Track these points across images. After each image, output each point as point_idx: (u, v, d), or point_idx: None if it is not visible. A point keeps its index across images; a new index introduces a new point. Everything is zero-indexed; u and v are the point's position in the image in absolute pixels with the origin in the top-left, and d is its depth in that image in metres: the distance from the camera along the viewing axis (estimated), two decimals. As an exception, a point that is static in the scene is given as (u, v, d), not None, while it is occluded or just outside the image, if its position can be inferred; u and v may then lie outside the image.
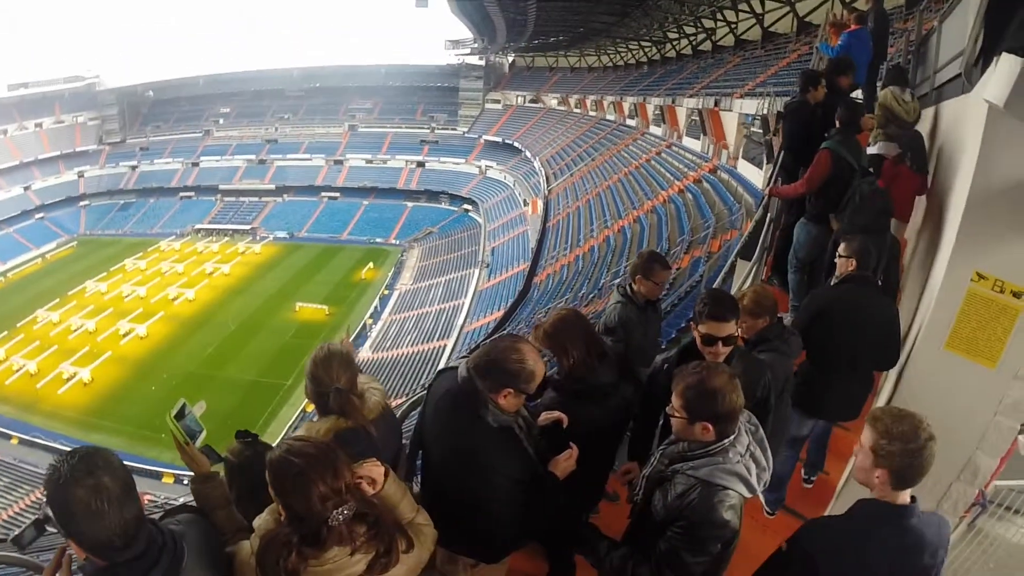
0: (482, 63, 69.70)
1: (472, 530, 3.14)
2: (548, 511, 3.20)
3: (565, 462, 3.11)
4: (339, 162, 71.37)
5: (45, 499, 1.99)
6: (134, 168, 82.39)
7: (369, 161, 70.02)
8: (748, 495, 2.73)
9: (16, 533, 2.59)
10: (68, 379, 40.29)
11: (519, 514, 3.05)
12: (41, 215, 75.66)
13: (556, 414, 3.22)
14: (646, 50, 48.18)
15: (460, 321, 37.11)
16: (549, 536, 3.97)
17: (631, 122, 44.92)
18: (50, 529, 2.29)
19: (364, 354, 37.45)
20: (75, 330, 46.92)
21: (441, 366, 30.52)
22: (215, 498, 2.77)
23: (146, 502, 28.19)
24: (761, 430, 2.95)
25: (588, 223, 34.47)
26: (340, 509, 2.19)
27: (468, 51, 68.08)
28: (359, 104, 78.18)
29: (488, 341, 3.30)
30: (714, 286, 8.43)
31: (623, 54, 53.49)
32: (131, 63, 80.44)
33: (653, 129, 40.28)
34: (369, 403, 3.41)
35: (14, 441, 35.75)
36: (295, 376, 36.50)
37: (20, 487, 31.57)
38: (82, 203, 79.45)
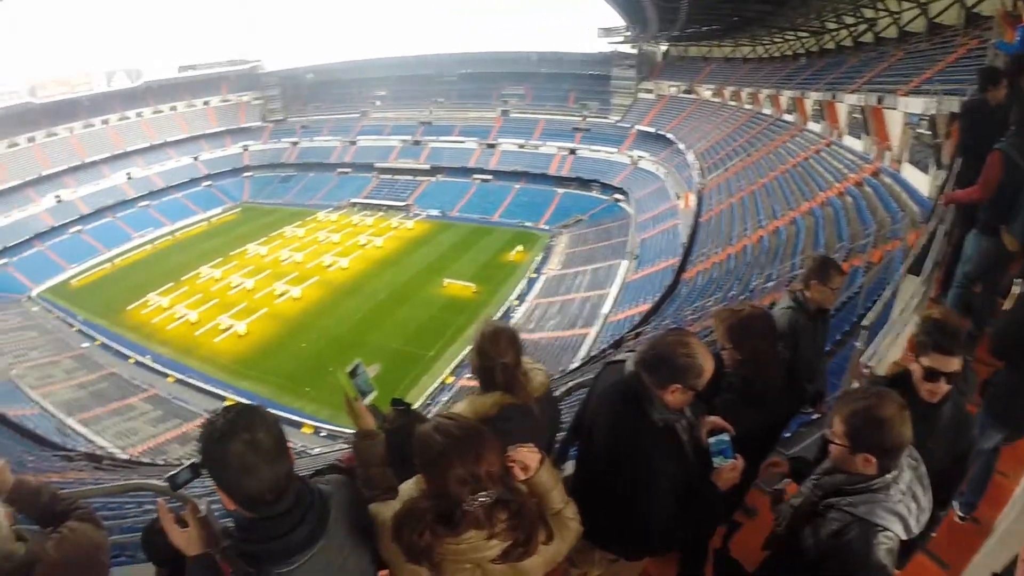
0: (635, 52, 67.44)
1: (621, 527, 3.16)
2: (703, 520, 3.21)
3: (729, 473, 2.97)
4: (492, 146, 71.98)
5: (200, 450, 2.13)
6: (295, 144, 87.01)
7: (521, 146, 70.18)
8: (905, 537, 2.56)
9: (172, 473, 2.74)
10: (224, 330, 43.53)
11: (672, 517, 3.01)
12: (208, 183, 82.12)
13: (721, 421, 3.10)
14: (804, 41, 45.67)
15: (604, 311, 36.86)
16: (690, 543, 3.83)
17: (788, 117, 42.63)
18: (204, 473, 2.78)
19: None
20: (235, 287, 50.61)
21: (582, 354, 31.15)
22: (374, 455, 2.94)
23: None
24: (923, 466, 2.72)
25: (742, 221, 33.04)
26: (478, 494, 2.22)
27: (621, 39, 65.80)
28: (512, 89, 78.23)
29: (656, 334, 3.34)
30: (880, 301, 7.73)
31: (779, 45, 50.33)
32: (292, 47, 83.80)
33: (812, 126, 38.13)
34: (534, 382, 3.48)
35: (170, 379, 39.06)
36: (437, 348, 37.91)
37: (170, 419, 34.32)
38: (246, 174, 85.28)
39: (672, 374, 2.90)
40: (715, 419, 3.10)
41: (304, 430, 31.85)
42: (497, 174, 68.76)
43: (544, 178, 65.63)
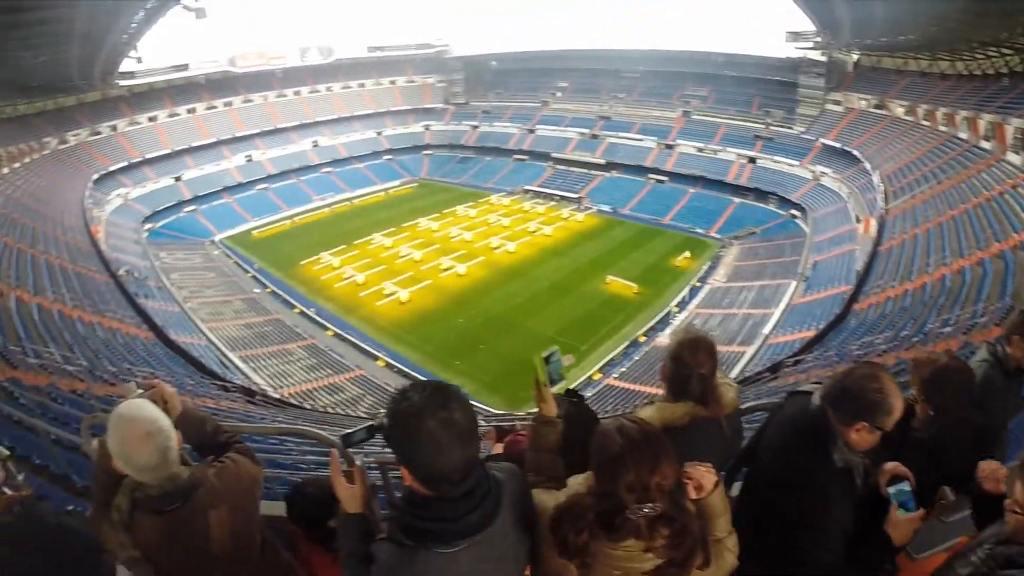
0: (824, 59, 62.80)
1: (780, 567, 2.92)
2: (867, 572, 2.93)
3: (908, 525, 2.76)
4: (670, 147, 70.11)
5: (387, 418, 2.15)
6: (475, 128, 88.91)
7: (700, 150, 67.90)
8: None
9: (348, 431, 2.79)
10: (388, 295, 44.90)
11: (837, 565, 2.83)
12: (389, 157, 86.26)
13: (903, 468, 2.87)
14: (1008, 59, 41.70)
15: (765, 331, 35.21)
16: None
17: (986, 144, 39.17)
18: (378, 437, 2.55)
19: (662, 341, 36.42)
20: (403, 256, 52.41)
21: (735, 373, 30.11)
22: (549, 442, 2.98)
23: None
24: None
25: (924, 255, 30.45)
26: (644, 504, 2.16)
27: (810, 45, 61.54)
28: (694, 90, 75.79)
29: (845, 368, 3.01)
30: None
31: (981, 62, 46.14)
32: (479, 33, 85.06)
33: (1011, 156, 34.95)
34: (725, 397, 3.35)
35: (329, 333, 41.06)
36: (591, 342, 37.44)
37: (323, 369, 35.66)
38: (425, 152, 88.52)
39: (859, 410, 2.76)
40: (896, 465, 2.90)
41: (448, 399, 32.37)
42: (673, 176, 66.97)
43: (720, 185, 63.23)
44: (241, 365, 34.07)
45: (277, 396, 27.95)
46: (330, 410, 27.69)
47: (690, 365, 3.25)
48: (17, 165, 50.26)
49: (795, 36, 62.16)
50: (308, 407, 27.28)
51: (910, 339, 19.19)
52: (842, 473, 2.81)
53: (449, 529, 2.14)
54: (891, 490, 2.81)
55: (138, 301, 33.48)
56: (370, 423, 2.69)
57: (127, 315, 29.94)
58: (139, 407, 2.56)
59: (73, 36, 36.08)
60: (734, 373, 30.45)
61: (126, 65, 59.94)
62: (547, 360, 3.13)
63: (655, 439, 2.26)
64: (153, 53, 61.19)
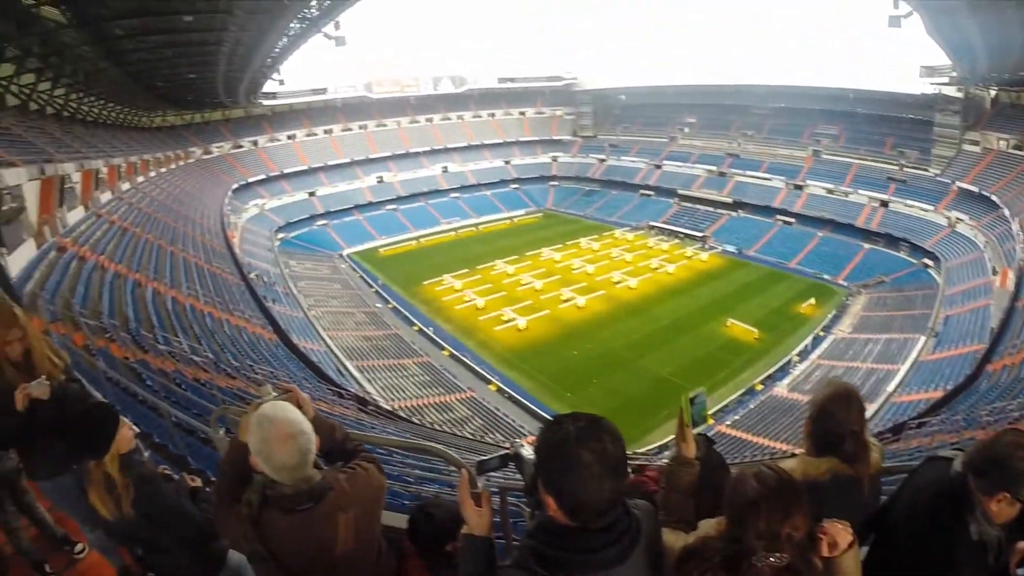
0: (960, 95, 58.07)
1: None
2: None
3: None
4: (799, 187, 67.89)
5: (541, 446, 2.19)
6: (602, 161, 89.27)
7: (830, 191, 65.27)
8: None
9: (484, 458, 2.95)
10: (506, 321, 45.30)
11: None
12: (516, 186, 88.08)
13: None
14: None
15: (889, 388, 33.12)
16: None
17: None
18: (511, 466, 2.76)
19: (779, 391, 35.65)
20: (524, 284, 52.97)
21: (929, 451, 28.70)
22: (684, 482, 2.96)
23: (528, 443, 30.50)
24: None
25: None
26: (771, 553, 2.12)
27: (945, 80, 56.98)
28: (824, 129, 72.90)
29: (992, 434, 2.73)
30: None
31: None
32: (607, 67, 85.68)
33: None
34: (871, 457, 3.27)
35: (445, 352, 41.68)
36: (707, 386, 36.01)
37: (435, 387, 36.15)
38: (552, 183, 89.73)
39: (1003, 480, 2.54)
40: None
41: (558, 430, 32.21)
42: (801, 218, 64.80)
43: (850, 229, 60.51)
44: (356, 374, 35.06)
45: (388, 408, 28.52)
46: (438, 427, 28.08)
47: (841, 421, 3.17)
48: (164, 170, 53.72)
49: (930, 71, 57.57)
50: (416, 422, 27.67)
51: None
52: (977, 547, 2.66)
53: (587, 561, 2.15)
54: (1021, 572, 2.58)
55: (265, 304, 35.05)
56: (505, 452, 2.87)
57: (254, 315, 31.28)
58: (284, 409, 2.68)
59: (221, 57, 38.40)
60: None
61: (269, 86, 63.18)
62: (692, 401, 3.08)
63: (791, 489, 2.24)
64: (294, 76, 64.18)
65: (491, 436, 30.47)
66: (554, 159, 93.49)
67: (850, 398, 3.20)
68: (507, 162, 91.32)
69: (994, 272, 40.64)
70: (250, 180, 70.97)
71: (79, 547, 5.07)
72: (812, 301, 47.84)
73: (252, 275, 40.47)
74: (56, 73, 31.81)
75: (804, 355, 40.36)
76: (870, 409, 30.76)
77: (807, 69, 73.78)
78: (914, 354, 36.56)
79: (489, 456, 2.91)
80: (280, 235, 65.06)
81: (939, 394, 27.76)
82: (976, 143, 57.10)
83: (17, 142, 23.82)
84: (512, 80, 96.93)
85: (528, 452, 2.82)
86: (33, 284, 16.28)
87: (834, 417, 3.16)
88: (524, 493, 3.11)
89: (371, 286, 55.66)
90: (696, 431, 3.07)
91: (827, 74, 72.00)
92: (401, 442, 9.80)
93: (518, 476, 3.15)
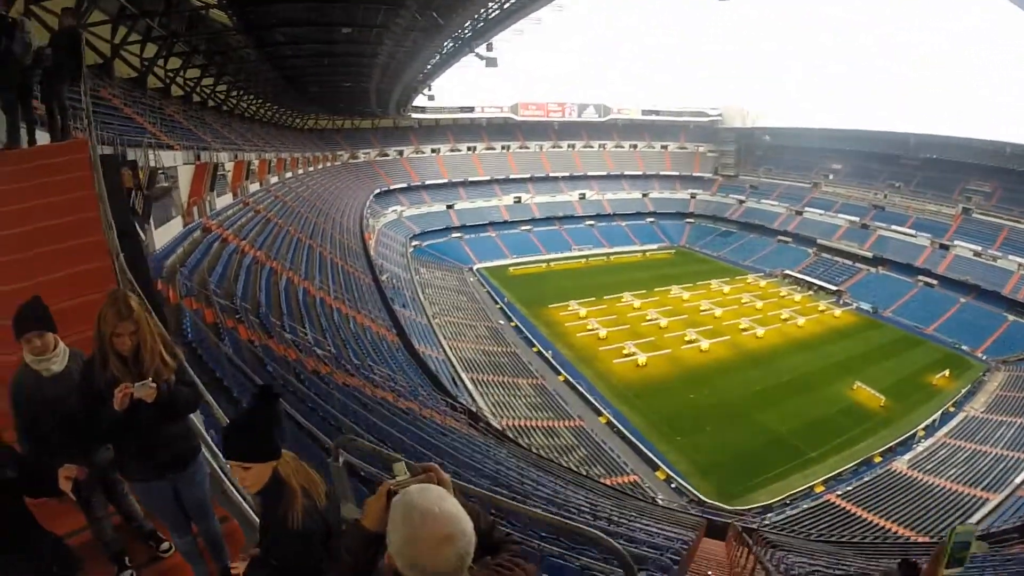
0: None
1: None
2: None
3: None
4: (945, 246, 64.09)
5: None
6: (741, 202, 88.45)
7: (977, 254, 61.13)
8: None
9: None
10: (626, 355, 45.09)
11: None
12: (652, 220, 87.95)
13: None
14: None
15: (1018, 480, 30.21)
16: None
17: None
18: None
19: (899, 466, 33.32)
20: (649, 320, 52.68)
21: (975, 520, 27.05)
22: None
23: (629, 480, 30.90)
24: None
25: None
26: None
27: None
28: (977, 185, 68.17)
29: None
30: None
31: None
32: (752, 105, 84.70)
33: None
34: None
35: (560, 378, 41.73)
36: (822, 451, 34.73)
37: (545, 410, 36.53)
38: (688, 220, 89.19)
39: None
40: None
41: (658, 474, 31.92)
42: (944, 280, 61.16)
43: (995, 297, 56.42)
44: (470, 386, 35.70)
45: (497, 426, 28.82)
46: (544, 453, 28.17)
47: None
48: (311, 169, 56.76)
49: None
50: (524, 444, 27.91)
51: None
52: None
53: None
54: None
55: (392, 306, 36.09)
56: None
57: (380, 316, 32.41)
58: (439, 500, 2.04)
59: (375, 69, 40.16)
60: (972, 521, 27.18)
61: (419, 100, 65.36)
62: (962, 544, 2.93)
63: None
64: (444, 92, 66.47)
65: (594, 468, 30.42)
66: (692, 196, 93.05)
67: None
68: (645, 195, 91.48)
69: None
70: (392, 187, 74.63)
71: (165, 545, 4.82)
72: (946, 372, 45.07)
73: (383, 277, 41.85)
74: (219, 71, 34.30)
75: (930, 431, 37.93)
76: (992, 501, 29.06)
77: (962, 119, 70.31)
78: (1052, 444, 33.86)
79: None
80: (414, 242, 67.56)
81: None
82: None
83: (178, 128, 25.58)
84: (656, 113, 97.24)
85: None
86: (174, 259, 17.38)
87: None
88: None
89: (496, 302, 56.75)
90: (949, 572, 2.92)
91: (984, 125, 68.33)
92: (551, 520, 9.24)
93: None
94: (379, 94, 53.03)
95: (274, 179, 42.06)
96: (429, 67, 45.56)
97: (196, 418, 4.76)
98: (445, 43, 38.02)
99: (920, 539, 25.68)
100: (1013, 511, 27.24)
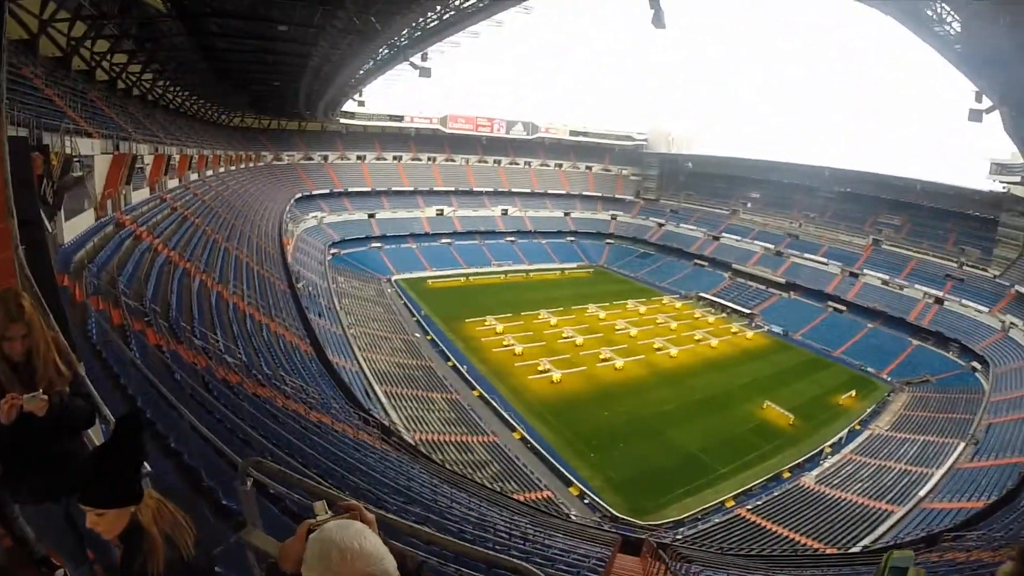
0: None
1: None
2: None
3: None
4: (854, 275, 66.96)
5: None
6: (661, 225, 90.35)
7: (885, 282, 64.17)
8: None
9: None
10: (541, 371, 45.15)
11: None
12: (572, 239, 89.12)
13: None
14: None
15: (921, 493, 31.88)
16: None
17: None
18: None
19: (806, 481, 34.58)
20: (565, 338, 52.94)
21: (879, 533, 28.08)
22: None
23: (542, 496, 30.91)
24: None
25: None
26: None
27: (1017, 179, 55.07)
28: (888, 218, 71.96)
29: None
30: None
31: None
32: (678, 131, 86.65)
33: None
34: None
35: (475, 393, 41.70)
36: (732, 467, 35.72)
37: (459, 425, 36.47)
38: (608, 240, 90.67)
39: None
40: None
41: (572, 490, 32.09)
42: (852, 307, 63.78)
43: (901, 324, 59.21)
44: (384, 399, 35.30)
45: (410, 440, 28.54)
46: (458, 470, 27.97)
47: None
48: (233, 168, 55.48)
49: (1001, 168, 56.49)
50: (437, 460, 27.67)
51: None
52: None
53: None
54: None
55: (308, 315, 35.34)
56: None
57: (294, 325, 31.68)
58: (359, 536, 1.86)
59: (308, 71, 39.60)
60: (878, 533, 28.67)
61: (348, 106, 64.87)
62: (895, 567, 2.99)
63: None
64: (374, 98, 66.02)
65: (507, 484, 30.39)
66: (613, 217, 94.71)
67: None
68: (567, 214, 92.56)
69: (1045, 381, 39.60)
70: (314, 192, 73.77)
71: (59, 573, 4.17)
72: (852, 393, 46.89)
73: (300, 285, 41.04)
74: (149, 58, 33.38)
75: (837, 448, 39.47)
76: (897, 513, 30.25)
77: (877, 156, 73.11)
78: (951, 460, 35.33)
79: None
80: (333, 250, 66.78)
81: (973, 505, 27.11)
82: (1040, 245, 55.39)
83: (99, 115, 24.76)
84: (584, 134, 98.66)
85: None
86: (83, 254, 16.68)
87: None
88: None
89: (413, 315, 56.39)
90: None
91: (896, 163, 71.38)
92: (475, 553, 9.06)
93: None
94: (309, 96, 52.39)
95: (194, 176, 40.97)
96: (362, 72, 45.34)
97: (94, 433, 4.34)
98: (381, 49, 37.91)
99: (829, 551, 26.62)
100: (917, 523, 28.47)
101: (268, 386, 17.30)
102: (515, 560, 3.62)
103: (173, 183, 35.11)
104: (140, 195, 28.16)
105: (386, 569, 1.79)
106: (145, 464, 2.93)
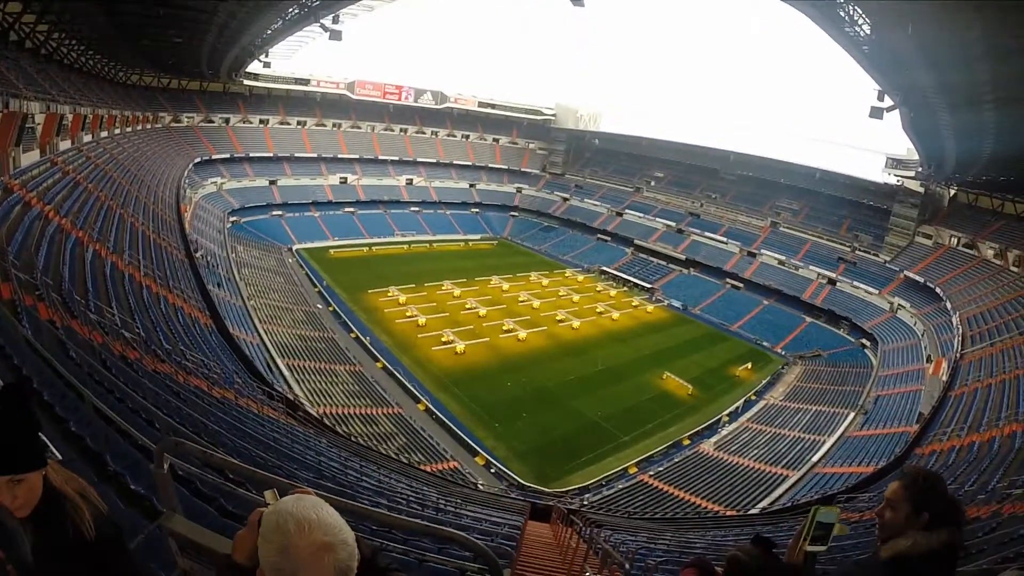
0: (921, 190, 60.89)
1: None
2: None
3: None
4: (752, 254, 69.62)
5: None
6: (565, 200, 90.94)
7: (781, 263, 67.13)
8: None
9: None
10: (445, 343, 45.39)
11: None
12: (476, 210, 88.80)
13: None
14: None
15: (814, 459, 33.73)
16: None
17: None
18: None
19: (705, 448, 36.12)
20: (468, 309, 53.34)
21: (776, 496, 29.26)
22: None
23: (449, 467, 31.26)
24: None
25: (996, 408, 28.20)
26: None
27: (910, 174, 59.40)
28: (787, 203, 75.29)
29: None
30: None
31: None
32: (586, 108, 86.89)
33: None
34: None
35: (379, 365, 41.54)
36: (634, 435, 36.75)
37: (363, 398, 36.11)
38: (512, 213, 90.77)
39: None
40: None
41: (477, 460, 32.48)
42: (749, 284, 66.18)
43: (795, 302, 62.10)
44: (286, 372, 34.59)
45: (315, 414, 28.04)
46: (363, 441, 27.67)
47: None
48: (129, 129, 52.43)
49: (896, 163, 61.31)
50: (343, 432, 27.31)
51: (975, 495, 17.91)
52: None
53: None
54: None
55: (207, 286, 34.01)
56: None
57: (193, 296, 30.44)
58: (316, 508, 1.75)
59: (213, 27, 37.85)
60: (774, 496, 29.93)
61: (253, 67, 62.67)
62: (822, 519, 2.93)
63: None
64: (280, 60, 63.95)
65: (414, 456, 30.30)
66: (519, 190, 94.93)
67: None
68: (472, 185, 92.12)
69: (928, 360, 42.07)
70: (214, 157, 70.24)
71: None
72: (748, 365, 48.70)
73: (198, 254, 39.55)
74: (44, 8, 31.08)
75: (734, 416, 41.14)
76: (792, 478, 31.65)
77: (781, 144, 75.66)
78: (842, 428, 37.34)
79: None
80: (233, 218, 64.01)
81: (863, 470, 28.62)
82: (929, 237, 59.83)
83: (-15, 69, 23.14)
84: (492, 106, 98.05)
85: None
86: (-34, 223, 15.53)
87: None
88: None
89: (315, 285, 55.40)
90: (812, 548, 2.91)
91: (798, 151, 74.03)
92: (423, 528, 8.81)
93: None
94: (212, 55, 50.28)
95: (87, 137, 38.59)
96: (270, 32, 43.78)
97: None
98: (291, 8, 36.62)
99: (729, 513, 27.69)
100: (811, 486, 29.93)
101: (168, 362, 16.60)
102: (450, 529, 3.48)
103: (65, 145, 33.15)
104: (30, 158, 26.61)
105: (345, 540, 1.71)
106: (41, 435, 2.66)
